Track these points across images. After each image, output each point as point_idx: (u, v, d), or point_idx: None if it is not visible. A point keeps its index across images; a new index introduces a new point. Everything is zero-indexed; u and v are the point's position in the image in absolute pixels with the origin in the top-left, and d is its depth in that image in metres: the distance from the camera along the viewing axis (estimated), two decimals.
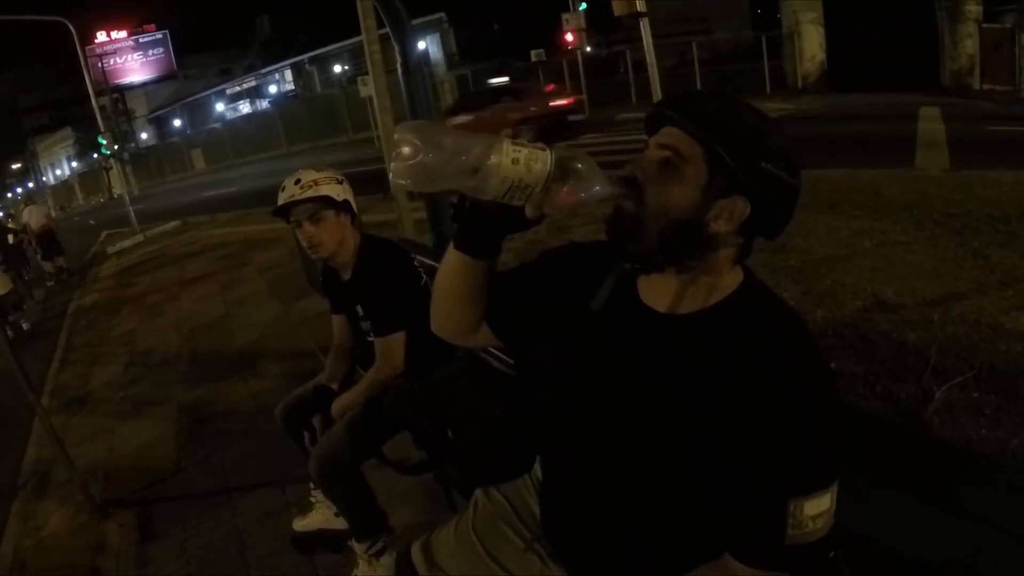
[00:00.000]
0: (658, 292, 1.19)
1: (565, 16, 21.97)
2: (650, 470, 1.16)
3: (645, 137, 1.19)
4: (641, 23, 9.00)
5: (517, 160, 1.02)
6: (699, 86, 19.71)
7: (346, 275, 2.61)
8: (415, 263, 2.63)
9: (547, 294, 1.33)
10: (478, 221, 1.20)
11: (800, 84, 18.39)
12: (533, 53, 25.63)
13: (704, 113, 1.10)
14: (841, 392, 3.57)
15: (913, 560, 1.40)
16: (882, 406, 3.43)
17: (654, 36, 10.06)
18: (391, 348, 2.43)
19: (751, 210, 1.09)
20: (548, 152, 1.04)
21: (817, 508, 1.04)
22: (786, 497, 1.04)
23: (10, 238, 13.25)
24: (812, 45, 18.40)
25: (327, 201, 2.44)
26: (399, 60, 2.80)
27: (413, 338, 2.46)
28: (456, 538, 1.53)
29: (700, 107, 1.12)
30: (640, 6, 9.67)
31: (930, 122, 11.20)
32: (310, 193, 2.43)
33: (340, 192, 2.47)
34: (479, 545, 1.47)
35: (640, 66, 12.07)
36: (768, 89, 18.48)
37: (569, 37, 22.14)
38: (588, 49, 24.91)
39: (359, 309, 2.57)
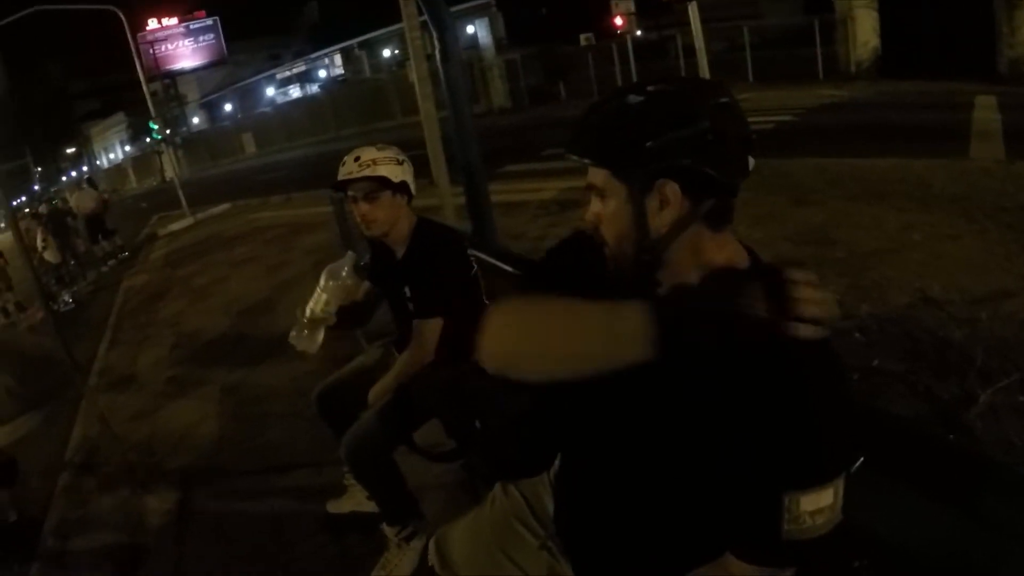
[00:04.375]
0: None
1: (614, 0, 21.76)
2: (657, 467, 1.15)
3: None
4: (689, 7, 8.85)
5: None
6: (750, 72, 19.37)
7: (399, 254, 2.62)
8: (469, 253, 2.64)
9: None
10: None
11: (853, 70, 17.87)
12: (582, 37, 25.42)
13: (588, 136, 1.15)
14: (879, 390, 3.50)
15: (940, 570, 1.37)
16: (923, 406, 3.34)
17: (703, 20, 9.87)
18: (427, 333, 2.45)
19: (682, 183, 1.08)
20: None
21: (816, 504, 1.02)
22: (780, 490, 1.02)
23: (69, 220, 13.63)
24: (865, 30, 17.86)
25: (383, 181, 2.46)
26: (437, 48, 2.79)
27: (450, 327, 2.47)
28: (470, 534, 1.55)
29: (585, 133, 1.15)
30: None
31: (985, 111, 10.79)
32: (367, 172, 2.45)
33: (398, 173, 2.47)
34: (492, 542, 1.48)
35: (691, 51, 11.86)
36: (820, 75, 18.02)
37: (618, 21, 21.94)
38: (639, 33, 24.63)
39: (407, 290, 2.58)
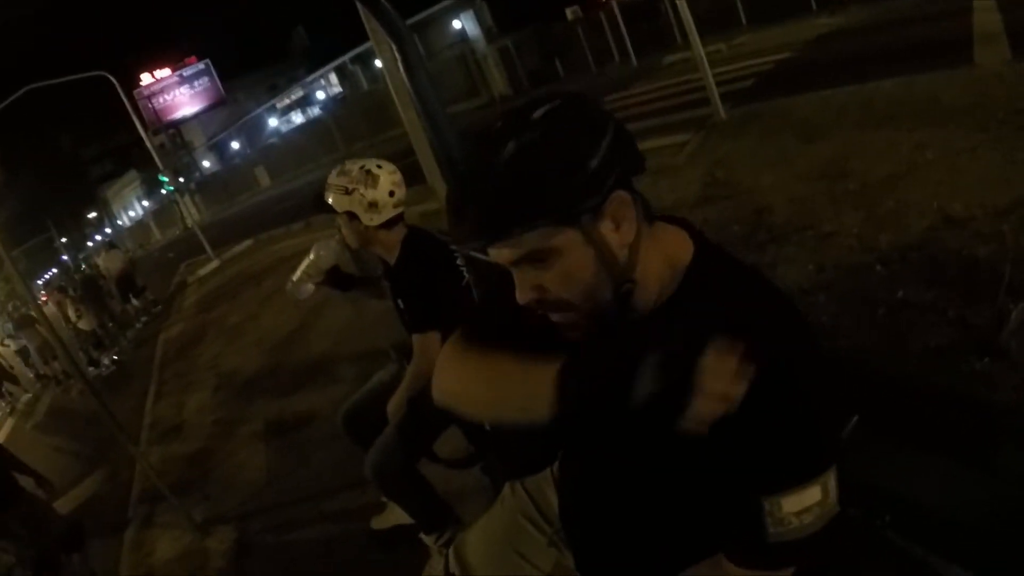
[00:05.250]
0: None
1: None
2: (649, 466, 1.12)
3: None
4: None
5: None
6: (742, 16, 19.04)
7: (391, 265, 2.64)
8: (458, 262, 2.64)
9: None
10: None
11: None
12: (569, 11, 25.16)
13: (513, 202, 0.95)
14: (907, 324, 3.41)
15: (960, 522, 1.34)
16: (955, 334, 3.24)
17: None
18: (426, 346, 2.46)
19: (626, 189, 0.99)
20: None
21: (800, 504, 0.96)
22: (757, 496, 0.97)
23: (101, 283, 13.98)
24: None
25: (331, 208, 2.52)
26: (399, 60, 2.78)
27: (448, 336, 2.47)
28: (483, 536, 1.56)
29: (506, 201, 0.96)
30: None
31: (985, 13, 10.38)
32: (326, 195, 2.53)
33: (343, 203, 2.48)
34: (504, 541, 1.49)
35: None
36: (814, 6, 17.64)
37: None
38: None
39: (399, 302, 2.60)
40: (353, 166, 2.49)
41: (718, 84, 9.18)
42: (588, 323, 1.04)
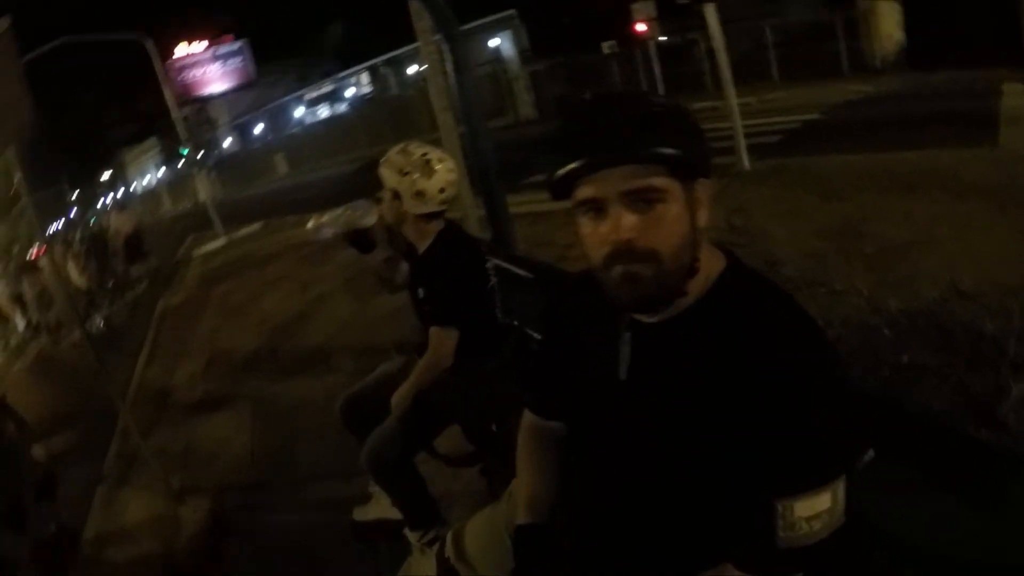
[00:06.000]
0: None
1: (635, 5, 21.61)
2: (658, 467, 1.14)
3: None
4: (706, 9, 8.76)
5: None
6: (775, 70, 19.19)
7: (420, 252, 2.64)
8: (488, 266, 2.65)
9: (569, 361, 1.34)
10: None
11: (878, 64, 17.59)
12: (605, 45, 25.30)
13: (653, 133, 1.04)
14: (910, 385, 3.43)
15: (960, 565, 1.34)
16: (955, 400, 3.27)
17: (725, 20, 9.81)
18: (442, 341, 2.46)
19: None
20: None
21: (812, 509, 0.99)
22: (772, 498, 0.99)
23: (110, 242, 13.94)
24: (888, 23, 17.54)
25: (379, 182, 2.53)
26: (450, 60, 2.84)
27: (466, 335, 2.49)
28: (486, 528, 1.56)
29: (647, 131, 1.03)
30: None
31: (1015, 98, 10.50)
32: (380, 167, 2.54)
33: (393, 182, 2.48)
34: (507, 534, 1.49)
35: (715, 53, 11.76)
36: (846, 71, 17.80)
37: (640, 27, 21.78)
38: (662, 38, 24.48)
39: (420, 291, 2.60)
40: (417, 150, 2.50)
41: (745, 136, 9.26)
42: (659, 282, 1.08)
